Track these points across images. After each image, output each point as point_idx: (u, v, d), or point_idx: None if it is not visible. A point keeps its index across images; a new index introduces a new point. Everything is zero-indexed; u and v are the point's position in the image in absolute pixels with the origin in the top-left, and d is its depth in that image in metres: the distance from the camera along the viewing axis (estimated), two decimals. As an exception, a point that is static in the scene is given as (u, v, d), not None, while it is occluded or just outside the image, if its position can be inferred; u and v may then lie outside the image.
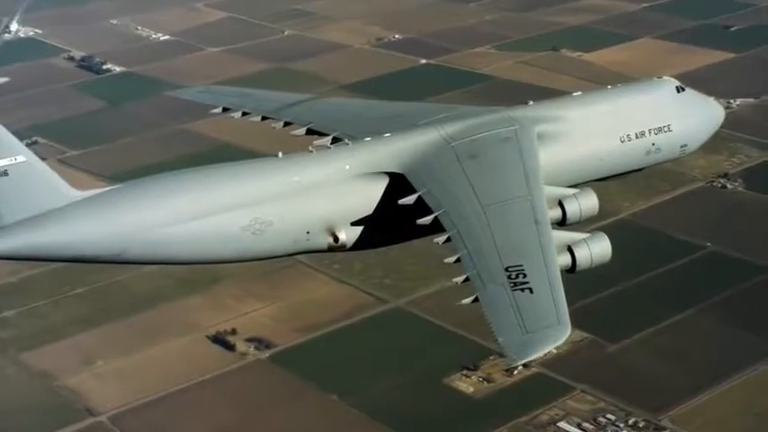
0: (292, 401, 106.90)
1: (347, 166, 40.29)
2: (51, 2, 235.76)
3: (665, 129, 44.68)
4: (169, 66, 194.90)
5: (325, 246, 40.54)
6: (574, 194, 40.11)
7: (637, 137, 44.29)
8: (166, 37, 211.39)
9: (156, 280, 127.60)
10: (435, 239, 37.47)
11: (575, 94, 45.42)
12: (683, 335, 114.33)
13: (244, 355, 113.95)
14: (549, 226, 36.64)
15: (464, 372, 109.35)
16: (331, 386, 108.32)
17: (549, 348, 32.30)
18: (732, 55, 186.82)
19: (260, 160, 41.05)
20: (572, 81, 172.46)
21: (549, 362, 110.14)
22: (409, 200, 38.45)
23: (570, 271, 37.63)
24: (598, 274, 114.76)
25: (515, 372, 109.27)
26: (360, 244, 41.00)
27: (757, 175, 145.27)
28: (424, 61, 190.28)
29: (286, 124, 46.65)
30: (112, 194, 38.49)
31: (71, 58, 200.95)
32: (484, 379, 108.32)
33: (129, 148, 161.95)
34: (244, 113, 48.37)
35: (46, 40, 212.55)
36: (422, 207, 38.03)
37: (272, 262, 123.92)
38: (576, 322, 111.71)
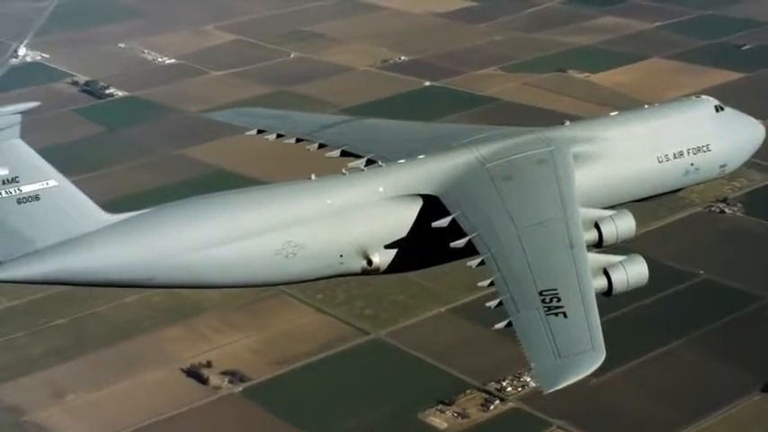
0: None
1: (381, 189, 40.33)
2: (62, 25, 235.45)
3: (704, 148, 44.46)
4: (172, 90, 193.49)
5: (358, 269, 40.44)
6: (610, 216, 40.24)
7: (675, 157, 44.14)
8: (172, 60, 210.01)
9: (136, 310, 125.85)
10: (469, 263, 37.37)
11: (612, 114, 45.23)
12: (669, 367, 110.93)
13: (217, 389, 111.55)
14: (585, 249, 36.56)
15: (439, 407, 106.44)
16: (303, 422, 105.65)
17: (583, 375, 31.90)
18: (742, 75, 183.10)
19: (292, 183, 41.10)
20: (575, 103, 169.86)
21: (527, 396, 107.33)
22: (443, 222, 38.55)
23: (607, 294, 37.31)
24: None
25: (491, 407, 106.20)
26: (394, 267, 40.73)
27: (758, 200, 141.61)
28: (427, 83, 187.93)
29: (321, 146, 47.04)
30: (144, 218, 38.63)
31: (75, 83, 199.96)
32: (459, 414, 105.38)
33: (122, 174, 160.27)
34: (278, 135, 48.74)
35: (52, 65, 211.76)
36: (456, 229, 38.06)
37: (255, 292, 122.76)
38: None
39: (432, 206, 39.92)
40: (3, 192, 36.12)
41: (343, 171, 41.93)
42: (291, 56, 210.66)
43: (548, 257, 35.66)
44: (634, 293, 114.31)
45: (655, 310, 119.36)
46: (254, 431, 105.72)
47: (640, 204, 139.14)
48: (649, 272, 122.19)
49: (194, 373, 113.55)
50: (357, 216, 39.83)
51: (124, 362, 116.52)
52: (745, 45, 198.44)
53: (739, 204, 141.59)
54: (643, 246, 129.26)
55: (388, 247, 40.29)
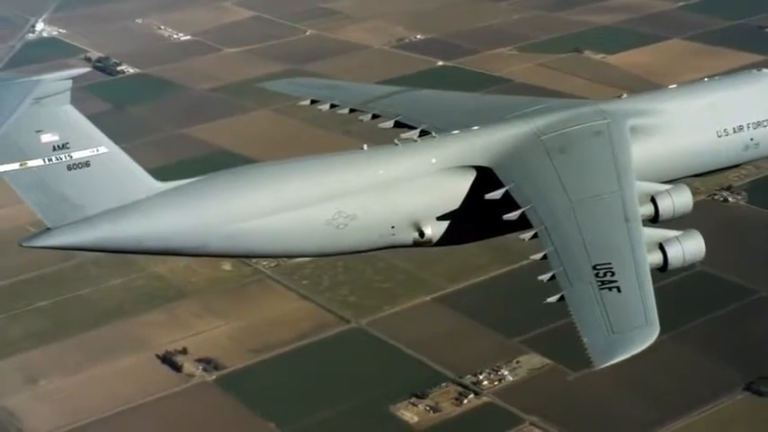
0: (228, 428, 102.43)
1: (433, 160, 39.76)
2: (81, 0, 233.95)
3: (765, 123, 43.37)
4: (183, 67, 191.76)
5: (410, 241, 39.89)
6: (667, 190, 39.03)
7: (734, 131, 43.05)
8: (187, 37, 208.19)
9: (120, 294, 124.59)
10: (521, 236, 36.73)
11: (670, 86, 44.54)
12: (652, 363, 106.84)
13: (190, 376, 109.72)
14: (640, 223, 35.67)
15: (412, 399, 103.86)
16: (272, 413, 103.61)
17: (637, 351, 31.38)
18: (763, 57, 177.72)
19: (344, 153, 40.83)
20: (587, 85, 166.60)
21: (503, 390, 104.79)
22: (496, 194, 37.83)
23: (662, 270, 36.22)
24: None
25: (465, 401, 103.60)
26: (445, 239, 40.05)
27: (762, 189, 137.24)
28: (441, 63, 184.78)
29: (374, 117, 46.57)
30: (195, 186, 38.30)
31: (88, 59, 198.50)
32: (431, 408, 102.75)
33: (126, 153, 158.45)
34: (332, 106, 48.28)
35: (67, 40, 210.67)
36: (509, 202, 37.31)
37: (239, 277, 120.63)
38: (542, 347, 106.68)
39: (485, 178, 39.18)
40: (53, 158, 35.79)
41: (396, 142, 41.33)
42: (307, 33, 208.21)
43: (602, 231, 35.09)
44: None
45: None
46: (223, 421, 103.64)
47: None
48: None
49: (169, 360, 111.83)
50: (409, 187, 39.33)
51: (101, 347, 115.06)
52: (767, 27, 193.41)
53: (744, 193, 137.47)
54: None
55: (440, 218, 39.66)
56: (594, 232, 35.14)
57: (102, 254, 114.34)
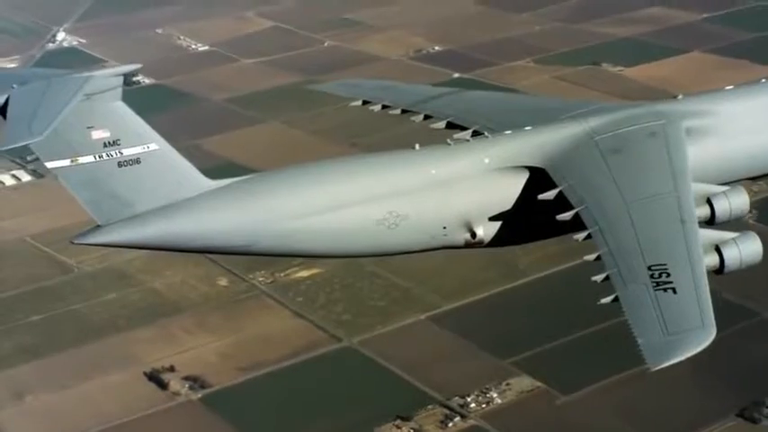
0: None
1: (486, 160, 39.58)
2: (107, 9, 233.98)
3: None
4: (198, 78, 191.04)
5: (461, 242, 39.73)
6: (723, 192, 38.42)
7: None
8: (205, 47, 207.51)
9: (113, 309, 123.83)
10: (575, 236, 36.32)
11: (727, 87, 43.89)
12: (647, 386, 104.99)
13: (175, 394, 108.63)
14: (696, 224, 35.36)
15: (396, 422, 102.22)
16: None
17: (692, 353, 30.93)
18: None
19: (396, 152, 40.53)
20: (601, 98, 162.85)
21: (490, 413, 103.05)
22: (549, 195, 37.70)
23: (718, 272, 35.78)
24: (568, 315, 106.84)
25: (450, 424, 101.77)
26: (497, 240, 39.93)
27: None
28: (456, 75, 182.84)
29: (426, 117, 46.28)
30: (245, 184, 38.37)
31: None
32: (414, 430, 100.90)
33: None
34: (384, 107, 48.10)
35: (87, 50, 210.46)
36: (562, 203, 37.15)
37: (235, 293, 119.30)
38: (534, 370, 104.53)
39: (538, 179, 38.96)
40: (104, 154, 35.89)
41: (449, 141, 40.97)
42: (325, 44, 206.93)
43: (657, 232, 34.72)
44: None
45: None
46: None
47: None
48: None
49: (156, 378, 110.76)
50: (462, 187, 39.13)
51: (90, 363, 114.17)
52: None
53: (754, 211, 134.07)
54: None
55: (492, 219, 39.43)
56: (649, 233, 34.74)
57: (99, 268, 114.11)
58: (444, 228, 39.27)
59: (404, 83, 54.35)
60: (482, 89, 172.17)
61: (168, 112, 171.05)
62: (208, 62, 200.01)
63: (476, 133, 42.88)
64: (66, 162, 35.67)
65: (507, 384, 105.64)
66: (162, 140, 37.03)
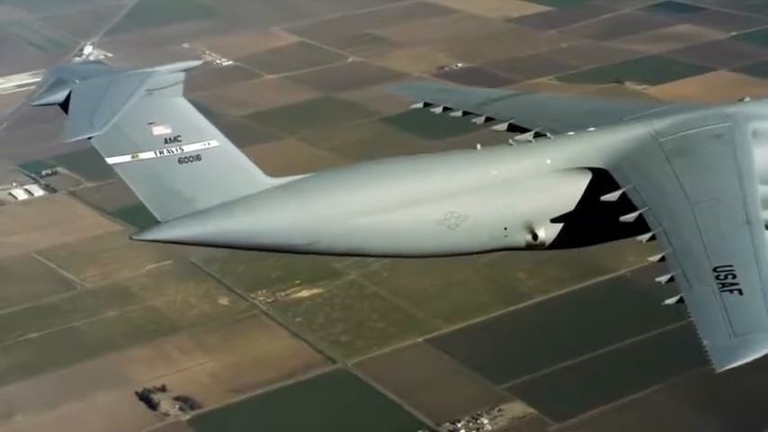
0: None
1: (548, 161, 39.03)
2: (135, 23, 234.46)
3: None
4: (219, 93, 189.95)
5: (523, 243, 39.30)
6: None
7: None
8: (230, 62, 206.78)
9: (112, 327, 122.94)
10: (638, 238, 35.72)
11: None
12: (639, 414, 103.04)
13: (164, 415, 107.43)
14: (763, 226, 34.37)
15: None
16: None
17: (759, 355, 29.81)
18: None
19: (458, 152, 40.21)
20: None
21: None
22: (612, 196, 37.03)
23: None
24: (568, 340, 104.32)
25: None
26: (559, 242, 39.42)
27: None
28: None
29: (488, 120, 45.73)
30: (306, 182, 37.95)
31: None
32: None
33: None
34: (445, 109, 47.66)
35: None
36: (625, 204, 36.48)
37: (234, 312, 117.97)
38: (528, 395, 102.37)
39: (600, 180, 38.31)
40: (165, 150, 35.85)
41: (510, 142, 40.45)
42: (349, 60, 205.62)
43: (723, 233, 33.94)
44: (626, 331, 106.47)
45: (643, 350, 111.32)
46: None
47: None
48: (647, 308, 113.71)
49: (146, 398, 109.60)
50: (523, 188, 38.59)
51: (83, 382, 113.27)
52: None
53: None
54: (649, 278, 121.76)
55: (554, 221, 38.89)
56: (715, 234, 34.04)
57: (102, 285, 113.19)
58: (505, 229, 38.87)
59: (464, 86, 54.66)
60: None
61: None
62: (230, 77, 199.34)
63: (538, 135, 42.25)
64: (127, 158, 35.61)
65: (500, 410, 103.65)
66: (222, 137, 36.66)
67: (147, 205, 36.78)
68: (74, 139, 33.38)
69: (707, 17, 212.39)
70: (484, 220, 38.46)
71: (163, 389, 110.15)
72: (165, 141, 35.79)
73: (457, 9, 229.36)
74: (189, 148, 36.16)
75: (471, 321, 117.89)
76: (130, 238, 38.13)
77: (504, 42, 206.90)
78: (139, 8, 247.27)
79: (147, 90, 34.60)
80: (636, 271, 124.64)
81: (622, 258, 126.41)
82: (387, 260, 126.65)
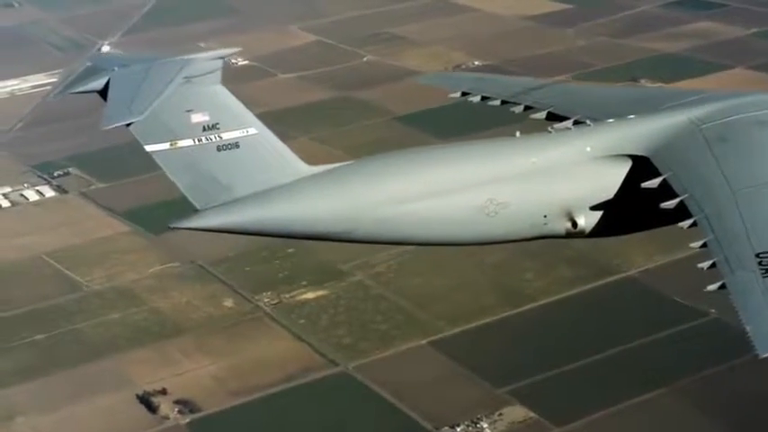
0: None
1: (588, 148, 38.75)
2: (154, 23, 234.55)
3: None
4: (233, 92, 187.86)
5: (562, 231, 39.09)
6: None
7: None
8: (245, 62, 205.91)
9: (116, 328, 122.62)
10: (680, 224, 35.54)
11: None
12: (644, 418, 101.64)
13: (164, 419, 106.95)
14: None
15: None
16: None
17: None
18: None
19: (497, 139, 40.16)
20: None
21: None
22: (653, 183, 36.73)
23: None
24: (573, 343, 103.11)
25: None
26: (598, 230, 39.19)
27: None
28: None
29: (526, 108, 45.55)
30: (345, 170, 37.99)
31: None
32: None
33: (153, 182, 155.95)
34: (483, 98, 47.62)
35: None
36: (666, 192, 36.24)
37: (239, 314, 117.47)
38: (529, 399, 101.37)
39: (640, 168, 37.95)
40: (203, 138, 35.80)
41: (549, 129, 40.55)
42: (365, 59, 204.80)
43: (765, 220, 33.70)
44: (633, 333, 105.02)
45: (649, 352, 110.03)
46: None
47: (669, 232, 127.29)
48: (655, 309, 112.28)
49: (146, 401, 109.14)
50: (563, 175, 38.36)
51: (85, 384, 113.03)
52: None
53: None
54: (659, 279, 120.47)
55: (593, 208, 38.64)
56: (757, 221, 33.75)
57: (108, 286, 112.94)
58: (545, 216, 38.56)
59: (502, 75, 54.50)
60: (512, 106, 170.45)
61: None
62: (245, 77, 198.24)
63: (577, 123, 42.06)
64: (166, 145, 35.47)
65: (500, 414, 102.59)
66: (261, 125, 36.57)
67: (186, 193, 36.52)
68: (112, 126, 33.11)
69: (727, 14, 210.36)
70: (523, 207, 38.22)
71: (164, 392, 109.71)
72: (204, 129, 35.74)
73: (474, 7, 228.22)
74: (227, 136, 36.07)
75: (475, 323, 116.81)
76: (169, 227, 37.90)
77: (520, 41, 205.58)
78: (158, 8, 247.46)
79: (186, 77, 34.65)
80: (644, 272, 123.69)
81: (631, 259, 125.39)
82: (393, 261, 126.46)
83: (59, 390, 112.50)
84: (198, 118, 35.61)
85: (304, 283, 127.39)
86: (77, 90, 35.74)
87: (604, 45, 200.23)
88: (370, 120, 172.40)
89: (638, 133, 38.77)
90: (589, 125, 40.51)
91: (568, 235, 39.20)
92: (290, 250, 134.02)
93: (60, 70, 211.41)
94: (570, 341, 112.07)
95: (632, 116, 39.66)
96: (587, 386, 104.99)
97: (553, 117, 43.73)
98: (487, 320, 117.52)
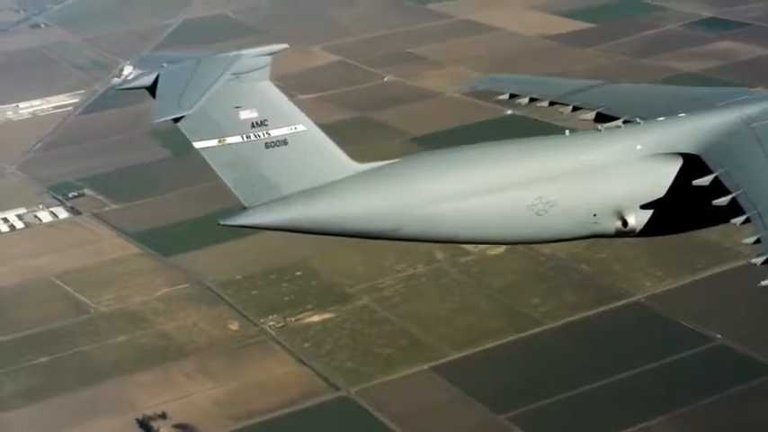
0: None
1: (639, 146, 38.66)
2: (177, 43, 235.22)
3: None
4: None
5: (612, 230, 38.97)
6: None
7: None
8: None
9: (121, 351, 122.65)
10: (733, 221, 35.32)
11: None
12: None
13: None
14: None
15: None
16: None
17: None
18: None
19: (546, 138, 40.18)
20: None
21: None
22: (705, 181, 36.52)
23: None
24: (576, 369, 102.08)
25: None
26: (649, 229, 39.02)
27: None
28: (509, 112, 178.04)
29: (575, 109, 45.59)
30: (392, 168, 37.82)
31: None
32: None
33: (167, 203, 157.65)
34: (531, 99, 47.58)
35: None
36: (717, 190, 36.05)
37: (243, 337, 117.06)
38: (528, 426, 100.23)
39: (691, 166, 37.83)
40: (251, 135, 35.55)
41: (599, 128, 40.20)
42: (384, 79, 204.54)
43: None
44: (635, 359, 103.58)
45: (650, 378, 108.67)
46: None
47: (679, 254, 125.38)
48: (661, 334, 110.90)
49: (146, 425, 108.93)
50: (613, 174, 38.29)
51: (86, 407, 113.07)
52: None
53: None
54: (666, 304, 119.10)
55: (644, 207, 38.46)
56: None
57: (115, 308, 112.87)
58: (595, 215, 38.43)
59: (550, 76, 54.51)
60: (531, 126, 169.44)
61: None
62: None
63: (627, 122, 41.65)
64: (214, 142, 35.34)
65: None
66: (309, 122, 36.49)
67: (234, 191, 36.35)
68: (161, 120, 33.24)
69: (750, 33, 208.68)
70: (573, 206, 38.03)
71: (163, 416, 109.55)
72: (252, 126, 35.46)
73: (497, 27, 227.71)
74: (276, 133, 35.84)
75: (479, 348, 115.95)
76: (218, 224, 37.17)
77: (540, 60, 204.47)
78: (182, 28, 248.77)
79: (234, 74, 34.32)
80: (651, 297, 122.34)
81: (638, 284, 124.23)
82: (400, 285, 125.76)
83: (60, 413, 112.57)
84: (246, 114, 35.37)
85: (310, 306, 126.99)
86: (127, 87, 35.71)
87: (625, 64, 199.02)
88: (386, 140, 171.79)
89: (689, 131, 38.67)
90: (639, 123, 40.21)
91: (618, 234, 39.06)
92: (297, 273, 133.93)
93: (82, 91, 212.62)
94: (574, 367, 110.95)
95: (683, 114, 39.72)
96: (588, 413, 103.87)
97: (602, 118, 43.53)
98: (491, 345, 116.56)
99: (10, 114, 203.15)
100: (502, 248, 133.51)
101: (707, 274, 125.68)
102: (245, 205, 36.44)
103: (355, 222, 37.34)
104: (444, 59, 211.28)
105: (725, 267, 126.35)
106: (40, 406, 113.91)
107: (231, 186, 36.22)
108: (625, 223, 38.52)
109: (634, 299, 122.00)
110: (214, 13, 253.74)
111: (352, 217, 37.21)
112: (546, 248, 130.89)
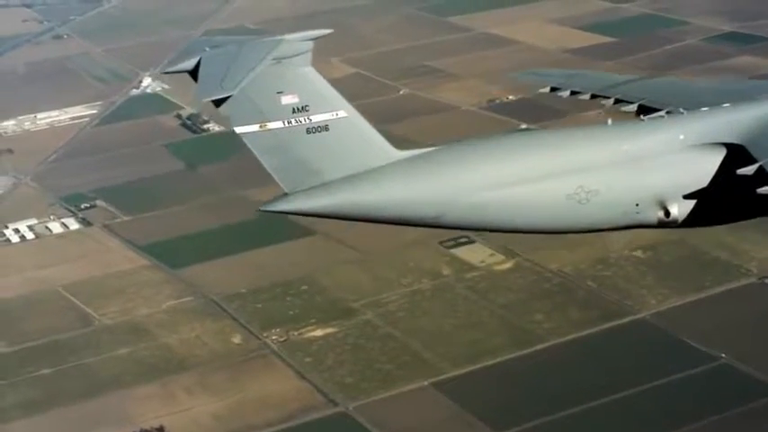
0: None
1: (681, 136, 38.81)
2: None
3: None
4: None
5: (654, 220, 38.98)
6: None
7: None
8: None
9: (122, 364, 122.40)
10: None
11: None
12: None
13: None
14: None
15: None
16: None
17: None
18: None
19: (588, 127, 40.34)
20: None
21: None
22: (749, 170, 36.30)
23: None
24: (578, 386, 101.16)
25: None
26: (692, 220, 39.04)
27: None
28: (524, 126, 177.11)
29: (617, 101, 45.74)
30: (434, 155, 37.84)
31: (178, 116, 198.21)
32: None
33: (176, 215, 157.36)
34: (572, 93, 47.56)
35: (168, 97, 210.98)
36: (762, 179, 35.91)
37: (245, 351, 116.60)
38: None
39: (735, 156, 37.74)
40: (293, 120, 35.56)
41: (642, 118, 40.91)
42: (400, 92, 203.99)
43: None
44: (638, 377, 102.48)
45: (652, 395, 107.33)
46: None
47: (685, 272, 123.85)
48: (666, 352, 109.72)
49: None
50: (655, 164, 38.31)
51: (84, 421, 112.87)
52: None
53: None
54: (672, 322, 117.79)
55: (687, 197, 38.51)
56: None
57: (119, 321, 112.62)
58: (637, 205, 38.39)
59: (589, 70, 56.04)
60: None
61: (226, 161, 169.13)
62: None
63: (669, 113, 41.83)
64: (255, 127, 35.19)
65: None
66: (351, 108, 36.21)
67: (275, 176, 36.17)
68: (205, 99, 33.42)
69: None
70: (615, 195, 37.97)
71: (161, 429, 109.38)
72: (294, 111, 35.28)
73: (518, 40, 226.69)
74: (317, 118, 35.61)
75: (481, 364, 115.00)
76: (258, 210, 37.51)
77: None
78: (202, 39, 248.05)
79: (276, 58, 34.25)
80: (656, 314, 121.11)
81: (643, 301, 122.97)
82: (404, 300, 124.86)
83: (58, 426, 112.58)
84: (288, 100, 35.19)
85: (313, 320, 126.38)
86: (170, 70, 35.91)
87: (643, 79, 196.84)
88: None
89: (733, 121, 38.61)
90: (682, 113, 40.19)
91: (660, 224, 38.90)
92: (303, 287, 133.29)
93: (100, 102, 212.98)
94: (576, 384, 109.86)
95: (727, 104, 39.67)
96: (590, 431, 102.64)
97: (644, 110, 43.47)
98: (493, 362, 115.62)
99: (28, 125, 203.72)
100: (508, 264, 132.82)
101: (713, 292, 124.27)
102: (286, 191, 36.30)
103: (397, 209, 37.23)
104: (461, 73, 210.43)
105: (731, 286, 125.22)
106: (39, 418, 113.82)
107: (271, 172, 36.00)
108: (668, 213, 38.43)
109: (639, 316, 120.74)
110: (234, 25, 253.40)
111: (394, 204, 37.08)
112: (552, 265, 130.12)
